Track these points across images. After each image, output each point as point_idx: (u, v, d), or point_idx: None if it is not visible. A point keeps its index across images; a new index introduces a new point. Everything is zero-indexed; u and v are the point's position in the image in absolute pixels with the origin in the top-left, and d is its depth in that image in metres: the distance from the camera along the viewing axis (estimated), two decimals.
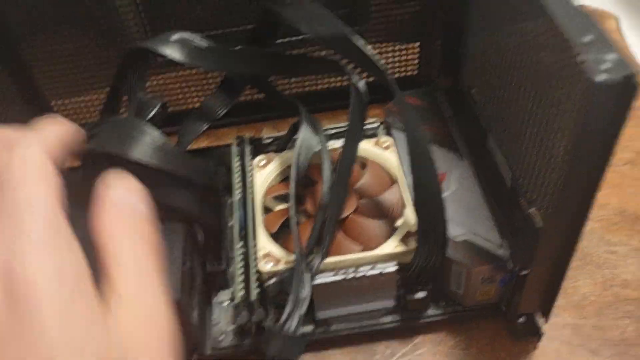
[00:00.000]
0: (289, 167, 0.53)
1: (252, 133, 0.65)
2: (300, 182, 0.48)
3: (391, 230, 0.48)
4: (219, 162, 0.57)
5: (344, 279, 0.44)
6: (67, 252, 0.26)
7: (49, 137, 0.32)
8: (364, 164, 0.53)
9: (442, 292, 0.48)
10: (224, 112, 0.55)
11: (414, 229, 0.46)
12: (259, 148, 0.58)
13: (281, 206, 0.51)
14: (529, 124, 0.42)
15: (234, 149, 0.57)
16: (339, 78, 0.67)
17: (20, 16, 0.57)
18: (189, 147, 0.55)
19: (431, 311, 0.48)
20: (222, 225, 0.50)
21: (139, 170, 0.44)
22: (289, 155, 0.54)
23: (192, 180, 0.45)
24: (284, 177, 0.53)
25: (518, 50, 0.42)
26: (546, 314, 0.45)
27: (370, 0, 0.62)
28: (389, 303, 0.47)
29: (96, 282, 0.27)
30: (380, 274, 0.44)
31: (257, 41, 0.52)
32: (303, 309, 0.40)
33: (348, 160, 0.46)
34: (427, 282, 0.46)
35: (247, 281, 0.46)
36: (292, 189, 0.45)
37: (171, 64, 0.63)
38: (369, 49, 0.43)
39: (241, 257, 0.48)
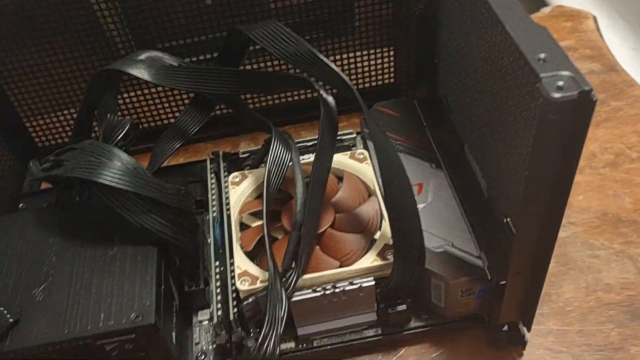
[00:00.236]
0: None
1: (230, 147, 0.65)
2: (273, 199, 0.47)
3: (369, 244, 0.47)
4: (195, 180, 0.57)
5: (323, 295, 0.44)
6: None
7: None
8: (340, 177, 0.53)
9: (424, 305, 0.47)
10: (196, 130, 0.54)
11: (391, 242, 0.45)
12: (234, 163, 0.57)
13: (258, 222, 0.50)
14: (495, 137, 0.42)
15: (209, 166, 0.56)
16: (309, 91, 0.66)
17: None
18: (165, 164, 0.55)
19: (413, 323, 0.47)
20: (199, 243, 0.50)
21: (110, 194, 0.44)
22: (264, 171, 0.53)
23: (163, 203, 0.45)
24: (259, 194, 0.53)
25: (483, 62, 0.42)
26: (528, 323, 0.44)
27: (354, 8, 0.61)
28: (370, 317, 0.46)
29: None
30: (359, 288, 0.44)
31: (226, 59, 0.52)
32: (280, 328, 0.40)
33: (321, 175, 0.45)
34: (407, 295, 0.45)
35: (224, 301, 0.45)
36: (264, 208, 0.45)
37: (143, 81, 0.63)
38: (334, 65, 0.43)
39: (218, 276, 0.48)
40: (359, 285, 0.44)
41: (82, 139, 0.49)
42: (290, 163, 0.48)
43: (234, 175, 0.53)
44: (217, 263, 0.49)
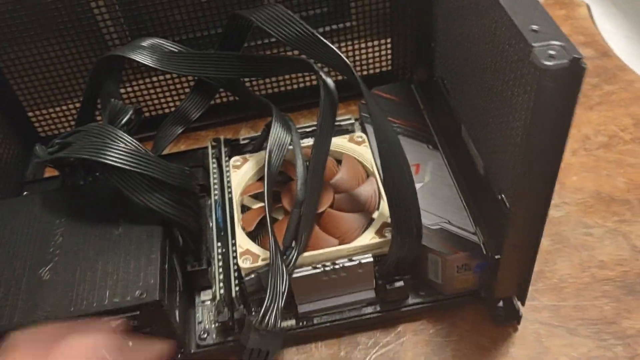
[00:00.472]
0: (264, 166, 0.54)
1: (231, 134, 0.66)
2: (275, 180, 0.48)
3: (368, 223, 0.48)
4: (197, 165, 0.58)
5: (323, 272, 0.45)
6: None
7: None
8: (339, 159, 0.54)
9: (422, 282, 0.48)
10: (198, 115, 0.55)
11: (389, 220, 0.46)
12: (235, 149, 0.58)
13: (258, 204, 0.51)
14: (492, 114, 0.43)
15: (211, 151, 0.57)
16: (313, 77, 0.67)
17: None
18: (167, 151, 0.56)
19: (411, 300, 0.48)
20: (202, 225, 0.51)
21: (115, 175, 0.45)
22: (264, 154, 0.54)
23: (168, 183, 0.46)
24: (259, 176, 0.54)
25: (479, 42, 0.43)
26: (522, 297, 0.46)
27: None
28: (369, 294, 0.48)
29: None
30: (359, 264, 0.45)
31: (227, 45, 0.53)
32: (281, 302, 0.41)
33: (321, 155, 0.46)
34: (405, 272, 0.47)
35: (227, 279, 0.46)
36: (265, 186, 0.46)
37: (144, 70, 0.64)
38: (335, 47, 0.44)
39: (220, 256, 0.49)
40: (358, 261, 0.45)
41: (85, 124, 0.50)
42: (291, 144, 0.49)
43: (235, 159, 0.54)
44: (219, 244, 0.50)
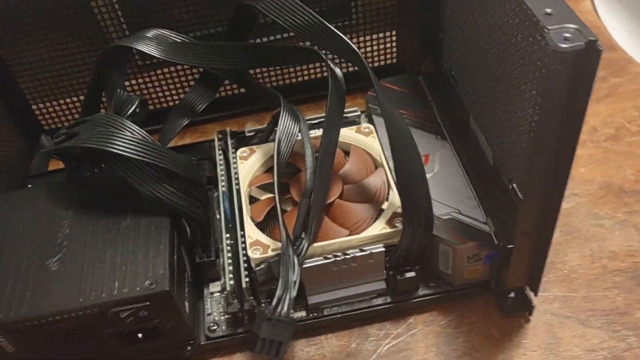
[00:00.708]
0: (271, 157, 0.53)
1: (236, 127, 0.65)
2: (284, 171, 0.48)
3: (377, 213, 0.48)
4: (203, 157, 0.57)
5: (333, 262, 0.44)
6: None
7: None
8: (346, 150, 0.54)
9: (432, 273, 0.48)
10: (204, 107, 0.55)
11: (399, 210, 0.46)
12: (241, 141, 0.58)
13: (266, 195, 0.51)
14: (501, 103, 0.43)
15: (217, 143, 0.57)
16: (318, 69, 0.67)
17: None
18: (173, 144, 0.55)
19: (421, 291, 0.48)
20: (210, 217, 0.50)
21: (122, 164, 0.44)
22: (271, 145, 0.54)
23: (176, 173, 0.45)
24: (267, 168, 0.53)
25: (489, 33, 0.43)
26: (534, 287, 0.45)
27: None
28: (380, 285, 0.47)
29: None
30: (369, 254, 0.44)
31: (234, 35, 0.52)
32: (293, 292, 0.40)
33: (329, 145, 0.46)
34: (415, 263, 0.46)
35: (236, 271, 0.46)
36: (275, 177, 0.45)
37: (149, 61, 0.64)
38: (344, 36, 0.44)
39: (229, 247, 0.48)
40: (368, 251, 0.45)
41: (90, 115, 0.50)
42: (299, 134, 0.48)
43: (243, 150, 0.53)
44: (228, 235, 0.49)
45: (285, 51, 0.50)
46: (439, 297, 0.48)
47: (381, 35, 0.66)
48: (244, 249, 0.46)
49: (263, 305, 0.47)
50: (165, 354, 0.46)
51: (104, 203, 0.48)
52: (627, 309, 0.47)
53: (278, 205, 0.44)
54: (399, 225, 0.45)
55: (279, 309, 0.39)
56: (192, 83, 0.65)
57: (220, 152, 0.56)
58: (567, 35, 0.30)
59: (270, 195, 0.51)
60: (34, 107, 0.65)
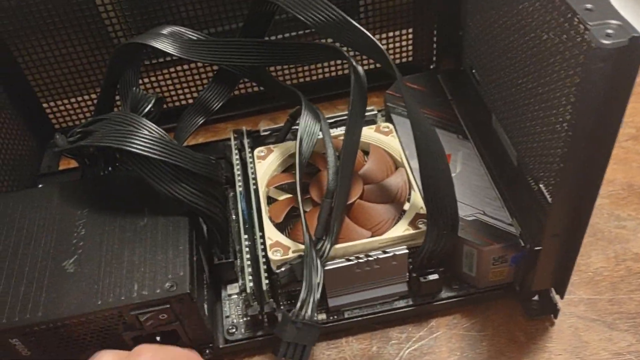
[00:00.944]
0: (289, 156, 0.52)
1: (249, 126, 0.65)
2: (304, 171, 0.47)
3: (399, 214, 0.47)
4: (219, 157, 0.56)
5: (356, 264, 0.43)
6: None
7: None
8: (366, 150, 0.53)
9: (455, 275, 0.47)
10: (220, 105, 0.54)
11: (422, 211, 0.45)
12: (257, 140, 0.57)
13: (284, 196, 0.50)
14: (531, 102, 0.42)
15: (233, 142, 0.56)
16: (333, 68, 0.66)
17: (10, 19, 0.56)
18: (187, 143, 0.54)
19: (444, 294, 0.47)
20: (228, 217, 0.49)
21: (140, 163, 0.43)
22: (289, 145, 0.53)
23: (195, 172, 0.44)
24: (285, 167, 0.53)
25: (516, 27, 0.42)
26: (561, 290, 0.44)
27: None
28: (402, 287, 0.46)
29: None
30: (393, 256, 0.43)
31: (250, 31, 0.51)
32: (317, 294, 0.39)
33: (352, 144, 0.45)
34: (439, 265, 0.45)
35: (256, 272, 0.45)
36: (297, 176, 0.44)
37: (165, 59, 0.63)
38: (367, 32, 0.43)
39: (247, 249, 0.47)
40: (392, 253, 0.44)
41: (104, 114, 0.49)
42: (320, 133, 0.47)
43: (260, 150, 0.53)
44: (246, 236, 0.48)
45: (306, 48, 0.49)
46: (463, 300, 0.47)
47: (397, 33, 0.65)
48: (263, 250, 0.45)
49: (282, 307, 0.46)
50: None
51: (119, 202, 0.47)
52: None
53: (301, 207, 0.43)
54: (422, 227, 0.44)
55: (303, 312, 0.39)
56: (205, 81, 0.64)
57: (237, 151, 0.55)
58: (609, 31, 0.29)
59: (289, 195, 0.50)
60: (45, 105, 0.64)
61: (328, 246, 0.43)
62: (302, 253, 0.43)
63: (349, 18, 0.43)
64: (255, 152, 0.53)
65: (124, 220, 0.45)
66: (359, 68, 0.45)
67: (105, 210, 0.46)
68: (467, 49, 0.54)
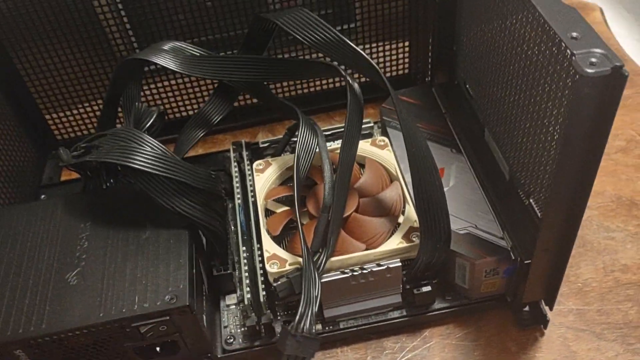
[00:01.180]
0: (287, 169, 0.54)
1: (247, 138, 0.66)
2: (303, 183, 0.48)
3: (393, 227, 0.48)
4: (218, 169, 0.58)
5: (351, 276, 0.45)
6: None
7: None
8: (361, 163, 0.54)
9: (448, 286, 0.48)
10: (220, 119, 0.55)
11: (416, 224, 0.46)
12: (255, 152, 0.58)
13: (282, 208, 0.51)
14: (522, 118, 0.43)
15: (232, 155, 0.57)
16: (330, 81, 0.67)
17: (11, 28, 0.57)
18: (186, 155, 0.56)
19: (438, 305, 0.48)
20: (227, 230, 0.50)
21: (143, 179, 0.45)
22: (287, 158, 0.54)
23: (195, 187, 0.46)
24: (283, 180, 0.54)
25: (508, 46, 0.43)
26: (550, 301, 0.46)
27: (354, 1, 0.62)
28: (396, 299, 0.47)
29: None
30: (387, 269, 0.45)
31: (250, 48, 0.53)
32: (315, 307, 0.40)
33: (348, 159, 0.46)
34: (432, 277, 0.47)
35: (253, 284, 0.46)
36: (295, 191, 0.46)
37: (162, 73, 0.64)
38: (363, 52, 0.44)
39: (245, 260, 0.48)
40: (386, 266, 0.45)
41: (107, 128, 0.50)
42: (317, 148, 0.49)
43: (258, 163, 0.54)
44: (244, 248, 0.49)
45: (304, 65, 0.51)
46: (455, 311, 0.48)
47: (394, 45, 0.66)
48: (261, 262, 0.47)
49: (280, 318, 0.47)
50: None
51: (121, 215, 0.48)
52: None
53: (299, 221, 0.44)
54: (416, 240, 0.46)
55: (302, 325, 0.40)
56: (205, 93, 0.65)
57: (235, 163, 0.56)
58: (593, 60, 0.30)
59: (287, 208, 0.51)
60: (47, 117, 0.65)
61: (325, 259, 0.44)
62: (299, 266, 0.44)
63: (344, 38, 0.44)
64: (254, 165, 0.54)
65: (126, 234, 0.46)
66: (355, 85, 0.46)
67: (107, 223, 0.47)
68: (460, 64, 0.55)
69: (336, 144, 0.55)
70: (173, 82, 0.64)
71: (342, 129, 0.57)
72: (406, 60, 0.67)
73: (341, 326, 0.48)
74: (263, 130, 0.68)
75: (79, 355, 0.43)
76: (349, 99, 0.46)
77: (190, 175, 0.45)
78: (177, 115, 0.67)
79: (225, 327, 0.48)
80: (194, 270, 0.44)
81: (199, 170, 0.46)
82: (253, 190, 0.52)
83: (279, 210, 0.51)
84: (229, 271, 0.49)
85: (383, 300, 0.48)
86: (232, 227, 0.54)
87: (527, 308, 0.48)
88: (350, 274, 0.45)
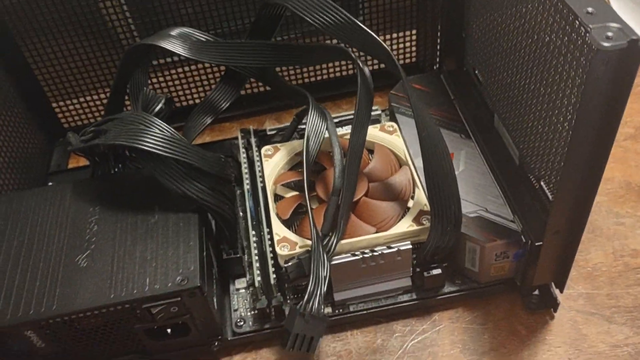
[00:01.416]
0: (296, 155, 0.54)
1: (255, 125, 0.66)
2: (312, 166, 0.48)
3: (403, 211, 0.48)
4: (226, 155, 0.57)
5: (361, 259, 0.45)
6: None
7: None
8: (370, 149, 0.54)
9: (458, 270, 0.48)
10: (227, 105, 0.55)
11: (426, 208, 0.46)
12: (263, 139, 0.58)
13: (290, 193, 0.51)
14: (534, 102, 0.43)
15: (240, 141, 0.57)
16: (337, 68, 0.67)
17: (20, 18, 0.58)
18: (194, 142, 0.56)
19: (447, 288, 0.48)
20: (236, 214, 0.50)
21: (152, 162, 0.45)
22: (295, 144, 0.54)
23: (205, 170, 0.46)
24: (291, 166, 0.54)
25: (519, 31, 0.43)
26: (561, 284, 0.46)
27: None
28: (406, 282, 0.47)
29: None
30: (397, 251, 0.45)
31: (258, 33, 0.52)
32: (324, 288, 0.40)
33: (358, 143, 0.46)
34: (442, 260, 0.46)
35: (263, 267, 0.46)
36: (305, 174, 0.46)
37: (172, 59, 0.64)
38: (376, 35, 0.44)
39: (255, 244, 0.48)
40: (396, 248, 0.45)
41: (115, 113, 0.50)
42: (326, 132, 0.49)
43: (267, 148, 0.54)
44: (254, 232, 0.49)
45: (313, 49, 0.50)
46: (465, 294, 0.48)
47: (401, 34, 0.66)
48: (271, 245, 0.47)
49: (289, 301, 0.47)
50: (193, 349, 0.46)
51: (130, 199, 0.48)
52: None
53: (308, 204, 0.44)
54: (426, 223, 0.45)
55: (310, 304, 0.40)
56: (212, 81, 0.65)
57: (244, 150, 0.56)
58: (609, 34, 0.30)
59: (296, 193, 0.51)
60: (54, 105, 0.65)
61: (335, 242, 0.44)
62: (309, 248, 0.44)
63: (355, 20, 0.44)
64: (262, 150, 0.54)
65: (135, 217, 0.46)
66: (366, 69, 0.46)
67: (116, 207, 0.47)
68: (470, 50, 0.55)
69: (344, 130, 0.55)
70: (180, 70, 0.64)
71: (350, 116, 0.58)
72: (413, 48, 0.67)
73: (351, 309, 0.48)
74: (270, 118, 0.68)
75: (90, 337, 0.43)
76: (359, 82, 0.46)
77: (200, 158, 0.45)
78: (184, 103, 0.67)
79: (235, 310, 0.48)
80: (204, 253, 0.44)
81: (208, 153, 0.47)
82: (262, 176, 0.52)
83: (287, 195, 0.51)
84: (238, 255, 0.49)
85: (393, 284, 0.47)
86: (241, 213, 0.54)
87: (536, 292, 0.48)
88: (361, 256, 0.45)
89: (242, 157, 0.55)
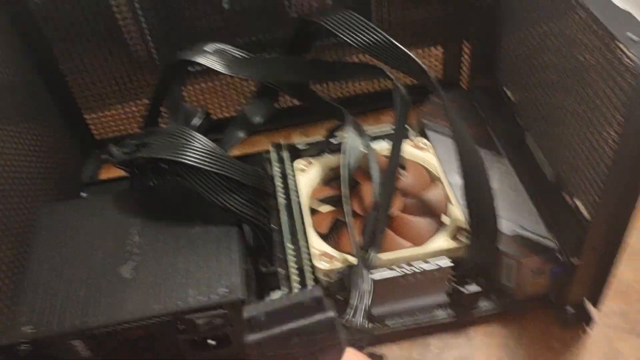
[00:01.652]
0: (330, 169, 0.54)
1: (282, 139, 0.67)
2: (350, 181, 0.49)
3: (438, 227, 0.49)
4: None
5: (402, 275, 0.45)
6: None
7: None
8: (402, 165, 0.55)
9: (493, 286, 0.49)
10: (262, 121, 0.56)
11: (463, 224, 0.47)
12: (293, 153, 0.59)
13: (325, 207, 0.52)
14: (570, 121, 0.44)
15: (273, 155, 0.58)
16: (364, 84, 0.68)
17: (58, 30, 0.59)
18: None
19: (483, 304, 0.48)
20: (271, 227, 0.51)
21: (193, 175, 0.45)
22: (329, 158, 0.55)
23: (244, 183, 0.46)
24: (326, 180, 0.54)
25: (556, 49, 0.44)
26: (595, 301, 0.46)
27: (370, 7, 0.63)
28: (442, 298, 0.48)
29: None
30: (437, 268, 0.45)
31: (295, 50, 0.53)
32: (368, 301, 0.41)
33: (396, 159, 0.47)
34: (480, 276, 0.47)
35: (302, 281, 0.47)
36: (344, 189, 0.46)
37: (199, 74, 0.65)
38: (413, 55, 0.45)
39: (293, 258, 0.49)
40: (437, 265, 0.45)
41: (152, 126, 0.51)
42: (363, 147, 0.49)
43: (300, 162, 0.54)
44: (292, 247, 0.50)
45: (350, 67, 0.51)
46: (500, 311, 0.48)
47: (427, 50, 0.67)
48: (309, 259, 0.47)
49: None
50: None
51: (170, 212, 0.49)
52: None
53: (349, 219, 0.45)
54: (463, 239, 0.46)
55: (355, 318, 0.40)
56: (242, 95, 0.66)
57: (277, 163, 0.57)
58: None
59: (330, 207, 0.52)
60: (86, 117, 0.66)
61: (374, 256, 0.44)
62: (348, 262, 0.44)
63: (393, 40, 0.45)
64: (295, 164, 0.55)
65: (176, 229, 0.47)
66: (402, 89, 0.47)
67: (157, 219, 0.48)
68: (501, 67, 0.56)
69: (378, 145, 0.56)
70: (210, 84, 0.65)
71: (378, 131, 0.59)
72: (439, 65, 0.68)
73: (388, 323, 0.48)
74: (296, 132, 0.69)
75: (133, 347, 0.44)
76: (398, 101, 0.47)
77: (240, 172, 0.46)
78: (220, 115, 0.68)
79: None
80: (246, 266, 0.45)
81: (247, 167, 0.47)
82: (296, 190, 0.53)
83: (321, 209, 0.52)
84: (275, 268, 0.49)
85: (429, 299, 0.48)
86: (276, 227, 0.54)
87: (570, 308, 0.49)
88: (401, 272, 0.45)
89: (276, 170, 0.56)
